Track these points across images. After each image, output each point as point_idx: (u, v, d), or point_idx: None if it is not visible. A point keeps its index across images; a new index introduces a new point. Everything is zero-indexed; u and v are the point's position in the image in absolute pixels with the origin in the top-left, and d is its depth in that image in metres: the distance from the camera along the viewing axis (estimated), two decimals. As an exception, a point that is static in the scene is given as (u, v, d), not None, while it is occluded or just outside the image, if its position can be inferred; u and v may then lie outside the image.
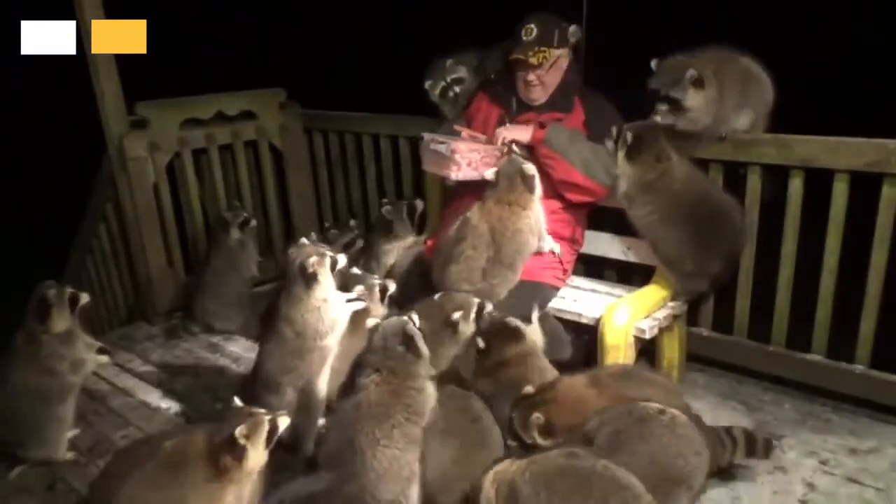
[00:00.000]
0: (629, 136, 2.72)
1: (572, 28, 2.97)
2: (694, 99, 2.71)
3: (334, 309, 2.54)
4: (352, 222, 4.12)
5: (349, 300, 2.63)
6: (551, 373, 2.40)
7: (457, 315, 2.50)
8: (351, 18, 7.07)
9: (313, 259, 2.45)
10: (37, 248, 5.70)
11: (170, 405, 3.11)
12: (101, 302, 4.60)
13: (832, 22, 5.15)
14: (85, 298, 2.73)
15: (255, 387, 2.59)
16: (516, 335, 2.42)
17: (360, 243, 3.95)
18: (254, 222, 3.91)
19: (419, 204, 3.72)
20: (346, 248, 3.77)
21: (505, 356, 2.38)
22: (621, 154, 2.75)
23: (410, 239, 3.68)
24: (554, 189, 2.94)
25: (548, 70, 2.92)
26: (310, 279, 2.45)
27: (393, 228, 3.67)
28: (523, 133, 2.91)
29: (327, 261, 2.50)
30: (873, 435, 2.65)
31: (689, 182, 2.79)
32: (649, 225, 2.84)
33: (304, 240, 2.68)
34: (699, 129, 2.79)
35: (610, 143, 2.80)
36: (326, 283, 2.51)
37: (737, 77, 2.78)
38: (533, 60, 2.86)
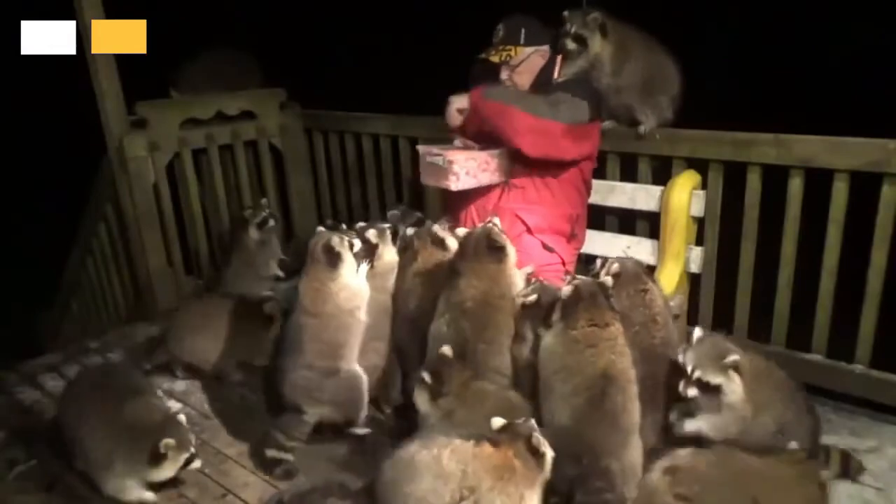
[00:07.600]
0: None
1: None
2: (598, 43, 2.88)
3: (360, 283, 2.68)
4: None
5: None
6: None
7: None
8: (351, 18, 7.08)
9: (336, 240, 2.61)
10: (36, 248, 5.71)
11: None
12: (100, 302, 4.62)
13: (832, 21, 5.17)
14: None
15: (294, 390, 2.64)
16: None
17: (272, 222, 3.88)
18: (272, 222, 3.87)
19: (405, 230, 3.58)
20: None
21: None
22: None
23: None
24: (545, 181, 2.93)
25: (515, 68, 2.93)
26: (335, 259, 2.59)
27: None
28: (464, 99, 2.90)
29: (346, 242, 2.64)
30: (873, 435, 2.64)
31: None
32: None
33: (321, 228, 2.81)
34: (604, 81, 2.91)
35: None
36: (350, 263, 2.63)
37: (642, 45, 2.94)
38: (495, 58, 2.91)
